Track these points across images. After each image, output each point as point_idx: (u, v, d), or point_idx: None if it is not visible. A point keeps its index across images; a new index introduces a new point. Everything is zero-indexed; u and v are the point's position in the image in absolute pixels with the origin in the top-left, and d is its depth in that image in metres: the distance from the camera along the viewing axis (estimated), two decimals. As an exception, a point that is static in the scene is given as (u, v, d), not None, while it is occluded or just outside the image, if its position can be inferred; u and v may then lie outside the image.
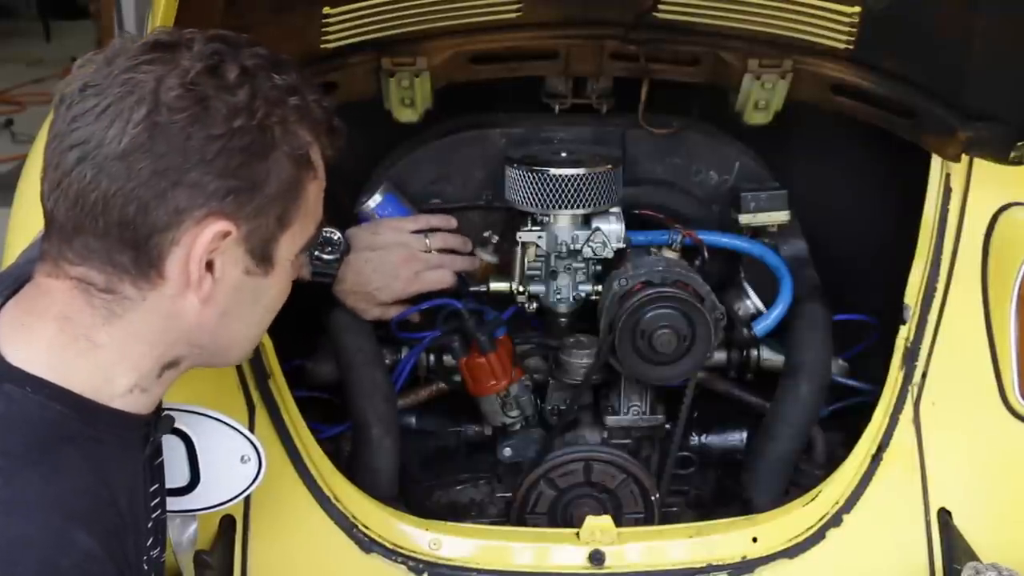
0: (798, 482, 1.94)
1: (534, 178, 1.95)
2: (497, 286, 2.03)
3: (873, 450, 1.79)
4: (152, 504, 1.31)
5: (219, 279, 1.17)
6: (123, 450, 1.19)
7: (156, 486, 1.33)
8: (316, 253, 1.87)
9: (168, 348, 1.20)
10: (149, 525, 1.28)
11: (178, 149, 1.10)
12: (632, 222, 2.03)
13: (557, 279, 2.03)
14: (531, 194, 1.96)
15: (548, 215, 2.00)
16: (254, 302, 1.24)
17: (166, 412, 1.33)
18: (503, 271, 2.05)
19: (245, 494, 1.60)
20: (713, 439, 2.11)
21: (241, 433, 1.57)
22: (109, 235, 1.12)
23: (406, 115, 2.09)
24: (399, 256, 1.97)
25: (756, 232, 2.10)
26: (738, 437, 2.10)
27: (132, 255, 1.13)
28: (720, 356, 2.06)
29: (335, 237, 1.91)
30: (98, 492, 1.12)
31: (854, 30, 1.90)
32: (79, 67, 1.16)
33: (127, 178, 1.10)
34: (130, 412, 1.19)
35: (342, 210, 2.00)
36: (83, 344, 1.15)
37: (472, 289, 2.04)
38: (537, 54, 2.10)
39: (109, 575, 1.09)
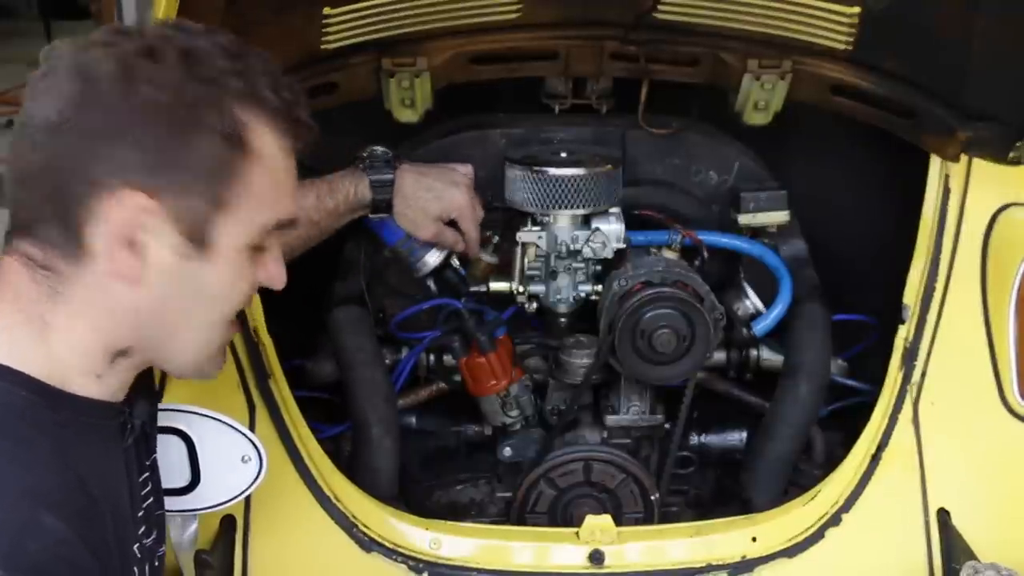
0: (798, 482, 1.94)
1: (534, 178, 1.96)
2: (497, 286, 2.03)
3: (872, 450, 1.80)
4: (143, 493, 1.31)
5: (148, 261, 1.15)
6: (92, 436, 1.19)
7: (146, 475, 1.33)
8: (373, 177, 1.89)
9: (113, 334, 1.18)
10: (140, 514, 1.28)
11: (100, 122, 1.11)
12: (632, 222, 2.04)
13: (557, 279, 2.03)
14: (531, 194, 1.96)
15: (548, 215, 2.00)
16: (196, 293, 1.19)
17: (145, 400, 1.33)
18: (503, 271, 2.05)
19: (246, 494, 1.60)
20: (713, 439, 2.11)
21: (242, 433, 1.57)
22: (42, 208, 1.14)
23: (406, 115, 2.10)
24: (457, 175, 1.98)
25: (756, 232, 2.10)
26: (738, 437, 2.10)
27: (59, 229, 1.14)
28: (720, 356, 2.07)
29: (379, 151, 1.92)
30: (66, 477, 1.12)
31: (854, 30, 1.90)
32: (45, 53, 1.18)
33: (52, 149, 1.12)
34: (94, 399, 1.19)
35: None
36: (37, 324, 1.15)
37: (472, 289, 2.04)
38: (537, 54, 2.10)
39: (81, 558, 1.08)
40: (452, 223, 1.98)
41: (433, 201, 1.94)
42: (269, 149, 1.19)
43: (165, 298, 1.18)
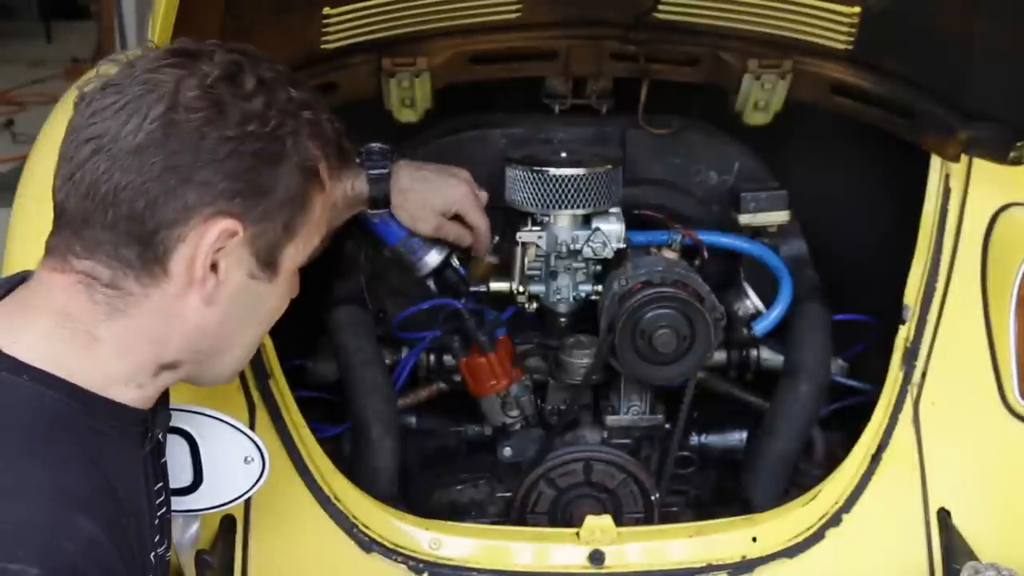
0: (798, 482, 1.94)
1: (534, 178, 1.96)
2: (497, 286, 2.02)
3: (873, 450, 1.79)
4: (157, 502, 1.31)
5: (223, 281, 1.19)
6: (121, 442, 1.19)
7: (160, 484, 1.34)
8: (369, 172, 1.87)
9: (167, 348, 1.21)
10: (156, 522, 1.29)
11: (191, 147, 1.13)
12: (632, 222, 2.03)
13: (557, 279, 2.03)
14: (531, 194, 1.96)
15: (548, 215, 2.00)
16: (254, 309, 1.26)
17: (165, 409, 1.34)
18: (503, 271, 2.05)
19: (248, 495, 1.60)
20: (713, 439, 2.11)
21: (245, 434, 1.57)
22: (117, 228, 1.14)
23: (406, 115, 2.10)
24: (455, 168, 1.98)
25: (756, 232, 2.10)
26: (738, 437, 2.10)
27: (138, 249, 1.15)
28: (720, 356, 2.07)
29: (376, 146, 1.90)
30: (97, 480, 1.13)
31: (854, 30, 1.90)
32: (101, 68, 1.20)
33: (139, 172, 1.12)
34: (126, 404, 1.20)
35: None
36: (83, 339, 1.16)
37: (472, 289, 2.04)
38: (537, 54, 2.10)
39: (112, 560, 1.09)
40: (455, 219, 1.96)
41: (432, 193, 1.92)
42: (327, 179, 1.26)
43: (229, 317, 1.22)
